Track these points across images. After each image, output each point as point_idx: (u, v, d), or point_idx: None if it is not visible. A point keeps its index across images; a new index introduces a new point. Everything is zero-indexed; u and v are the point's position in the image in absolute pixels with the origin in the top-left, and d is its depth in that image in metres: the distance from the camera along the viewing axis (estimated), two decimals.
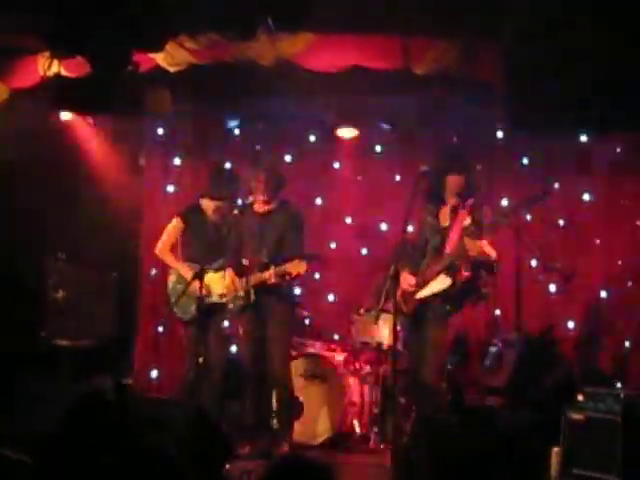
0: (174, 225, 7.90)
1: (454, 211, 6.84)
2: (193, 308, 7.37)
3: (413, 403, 6.88)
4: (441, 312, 6.77)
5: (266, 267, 7.09)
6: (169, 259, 7.89)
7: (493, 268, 6.73)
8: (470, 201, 6.83)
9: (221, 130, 9.76)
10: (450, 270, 6.65)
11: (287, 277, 7.00)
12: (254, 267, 7.18)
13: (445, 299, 6.73)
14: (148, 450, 3.63)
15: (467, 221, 6.74)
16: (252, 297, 7.18)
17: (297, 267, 6.90)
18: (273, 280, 7.00)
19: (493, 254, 6.64)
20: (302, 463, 2.87)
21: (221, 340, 7.79)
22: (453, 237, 6.74)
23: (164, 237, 7.93)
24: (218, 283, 7.55)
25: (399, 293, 6.69)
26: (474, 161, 7.16)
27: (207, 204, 7.85)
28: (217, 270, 7.60)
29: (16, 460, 4.12)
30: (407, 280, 6.82)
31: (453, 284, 6.64)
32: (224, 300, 7.49)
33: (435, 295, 6.74)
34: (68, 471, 3.61)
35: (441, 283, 6.69)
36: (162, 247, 7.91)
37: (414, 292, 6.80)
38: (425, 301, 6.79)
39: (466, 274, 6.63)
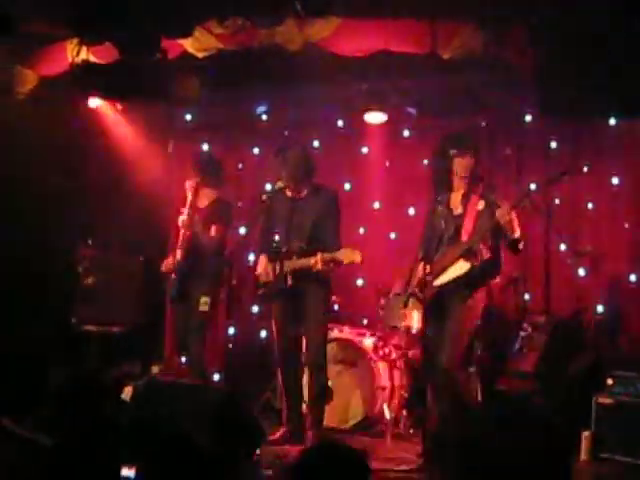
0: None
1: (466, 197, 6.70)
2: None
3: (431, 389, 6.70)
4: (461, 297, 6.56)
5: (305, 253, 6.96)
6: None
7: (517, 246, 6.64)
8: (480, 185, 6.74)
9: (249, 116, 9.76)
10: (469, 255, 6.53)
11: (335, 265, 6.86)
12: (290, 253, 7.04)
13: (465, 284, 6.56)
14: (179, 436, 3.65)
15: (481, 205, 6.62)
16: (289, 282, 7.01)
17: (351, 256, 6.75)
18: (320, 267, 6.84)
19: (517, 230, 6.45)
20: (336, 447, 2.89)
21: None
22: (468, 223, 6.59)
23: None
24: None
25: (416, 282, 6.67)
26: (480, 145, 7.04)
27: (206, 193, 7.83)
28: None
29: (41, 444, 4.15)
30: (423, 268, 6.68)
31: (472, 268, 6.50)
32: None
33: (454, 281, 6.57)
34: (95, 457, 3.64)
35: (459, 269, 6.53)
36: None
37: (431, 280, 6.60)
38: (444, 288, 6.61)
39: (487, 256, 6.54)
